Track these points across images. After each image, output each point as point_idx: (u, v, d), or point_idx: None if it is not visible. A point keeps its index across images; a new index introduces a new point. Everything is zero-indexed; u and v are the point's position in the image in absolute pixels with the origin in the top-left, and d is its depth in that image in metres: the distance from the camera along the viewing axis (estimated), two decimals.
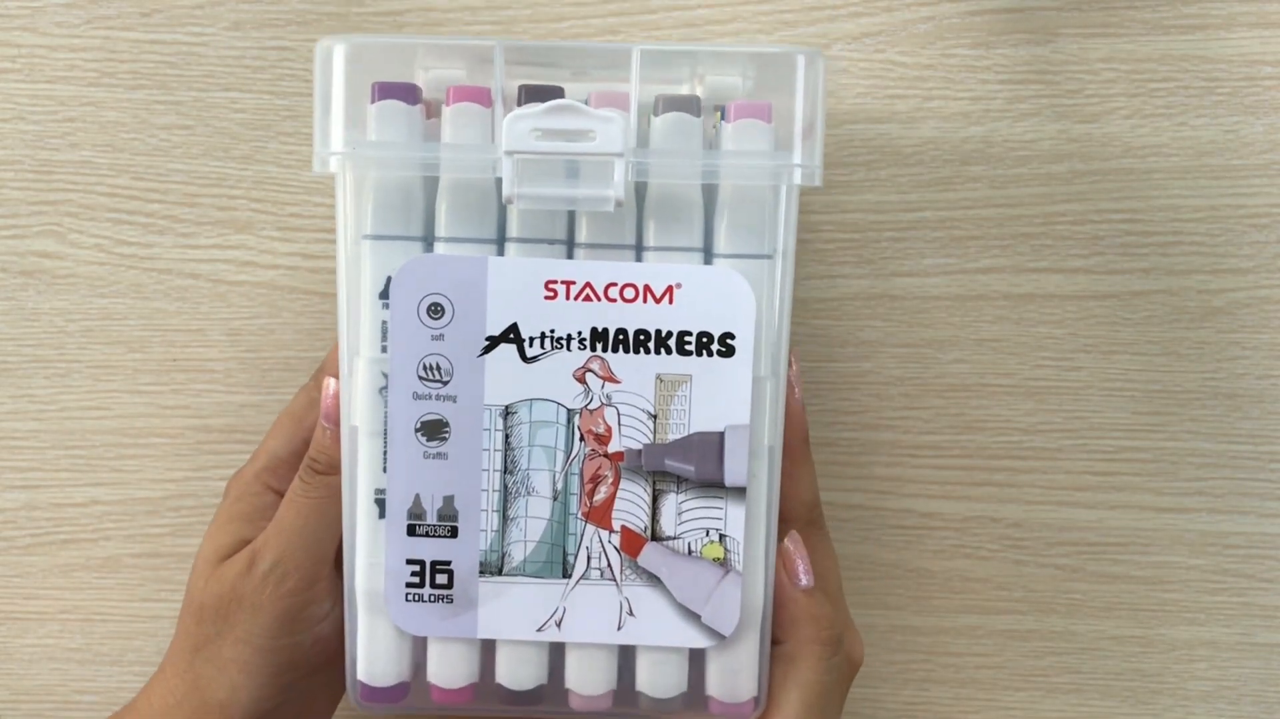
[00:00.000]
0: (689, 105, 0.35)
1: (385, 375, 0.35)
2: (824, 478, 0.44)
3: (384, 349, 0.35)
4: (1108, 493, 0.45)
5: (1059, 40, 0.43)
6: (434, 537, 0.35)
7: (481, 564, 0.35)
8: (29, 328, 0.43)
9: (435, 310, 0.34)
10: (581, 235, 0.35)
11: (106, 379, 0.43)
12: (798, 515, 0.37)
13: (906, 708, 0.45)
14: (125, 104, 0.42)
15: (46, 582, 0.44)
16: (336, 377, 0.37)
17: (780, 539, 0.36)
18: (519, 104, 0.34)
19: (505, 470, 0.35)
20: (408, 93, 0.34)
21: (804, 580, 0.36)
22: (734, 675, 0.36)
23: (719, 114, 0.35)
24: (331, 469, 0.36)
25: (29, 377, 0.43)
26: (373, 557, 0.35)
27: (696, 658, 0.36)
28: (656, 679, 0.36)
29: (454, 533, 0.35)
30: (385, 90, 0.34)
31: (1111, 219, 0.44)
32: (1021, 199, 0.43)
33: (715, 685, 0.36)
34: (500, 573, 0.35)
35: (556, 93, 0.34)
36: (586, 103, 0.35)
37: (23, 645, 0.44)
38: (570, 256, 0.35)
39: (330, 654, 0.37)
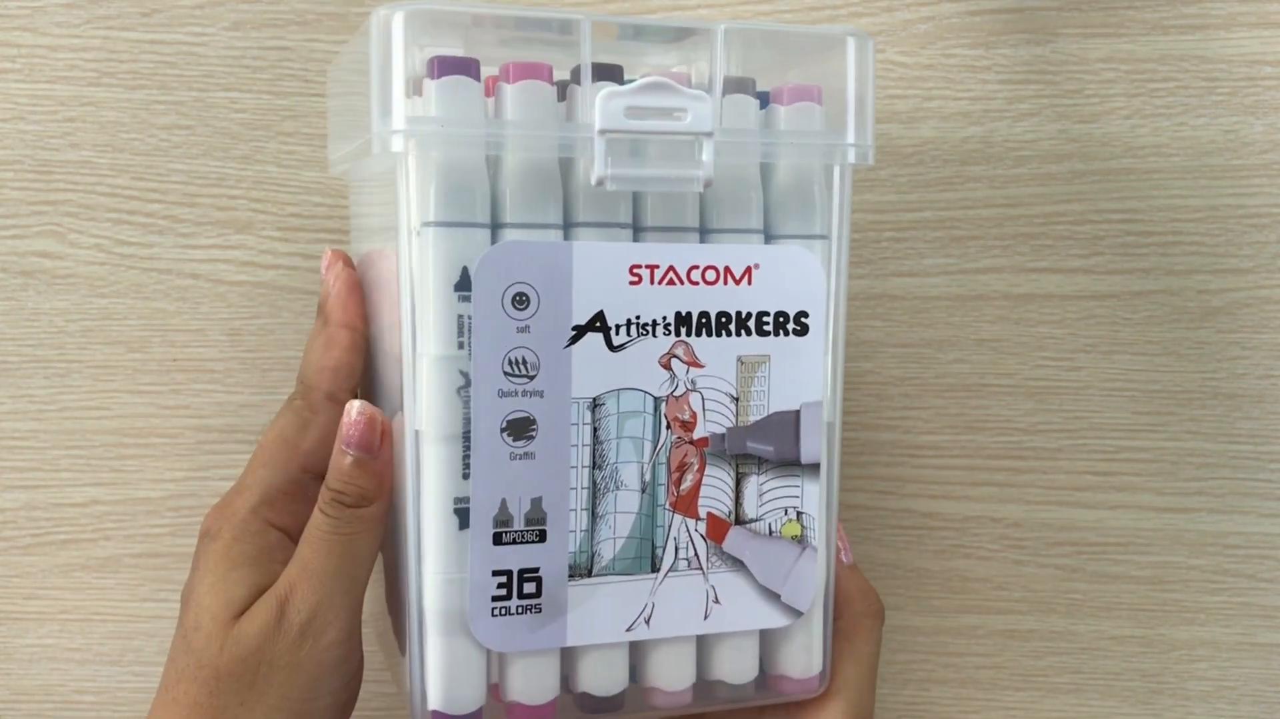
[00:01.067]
0: (747, 87, 0.34)
1: (463, 374, 0.32)
2: None
3: (460, 345, 0.32)
4: (1108, 493, 0.45)
5: (1059, 40, 0.43)
6: (522, 543, 0.33)
7: (571, 567, 0.33)
8: (29, 328, 0.43)
9: (520, 301, 0.32)
10: (649, 219, 0.34)
11: (106, 379, 0.43)
12: None
13: (907, 708, 0.45)
14: (125, 104, 0.42)
15: (46, 582, 0.44)
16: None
17: None
18: (575, 84, 0.33)
19: (594, 466, 0.33)
20: (470, 68, 0.32)
21: (846, 558, 0.37)
22: (806, 652, 0.36)
23: (758, 100, 0.35)
24: (364, 501, 0.33)
25: (29, 376, 0.43)
26: (449, 572, 0.32)
27: (763, 640, 0.36)
28: (736, 665, 0.35)
29: (542, 537, 0.33)
30: (447, 65, 0.31)
31: (1111, 219, 0.44)
32: (1021, 199, 0.43)
33: (789, 663, 0.36)
34: (590, 574, 0.33)
35: (617, 72, 0.33)
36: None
37: (23, 645, 0.44)
38: (636, 241, 0.34)
39: (349, 705, 0.34)
